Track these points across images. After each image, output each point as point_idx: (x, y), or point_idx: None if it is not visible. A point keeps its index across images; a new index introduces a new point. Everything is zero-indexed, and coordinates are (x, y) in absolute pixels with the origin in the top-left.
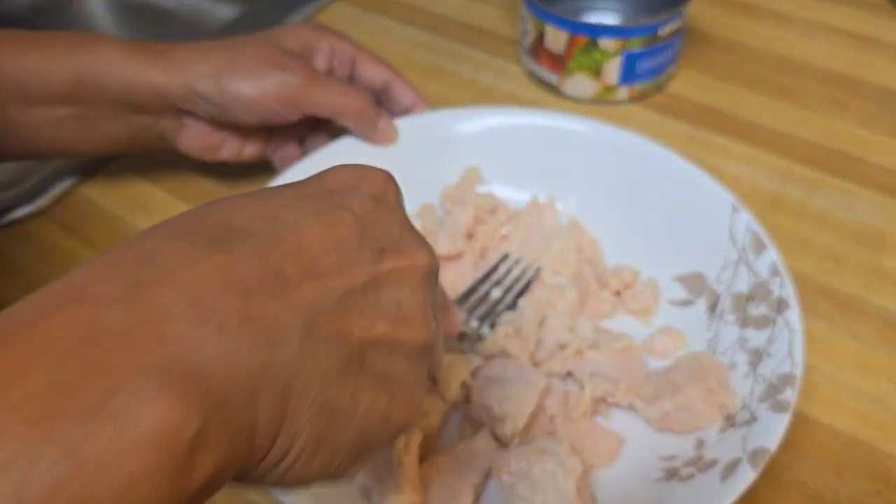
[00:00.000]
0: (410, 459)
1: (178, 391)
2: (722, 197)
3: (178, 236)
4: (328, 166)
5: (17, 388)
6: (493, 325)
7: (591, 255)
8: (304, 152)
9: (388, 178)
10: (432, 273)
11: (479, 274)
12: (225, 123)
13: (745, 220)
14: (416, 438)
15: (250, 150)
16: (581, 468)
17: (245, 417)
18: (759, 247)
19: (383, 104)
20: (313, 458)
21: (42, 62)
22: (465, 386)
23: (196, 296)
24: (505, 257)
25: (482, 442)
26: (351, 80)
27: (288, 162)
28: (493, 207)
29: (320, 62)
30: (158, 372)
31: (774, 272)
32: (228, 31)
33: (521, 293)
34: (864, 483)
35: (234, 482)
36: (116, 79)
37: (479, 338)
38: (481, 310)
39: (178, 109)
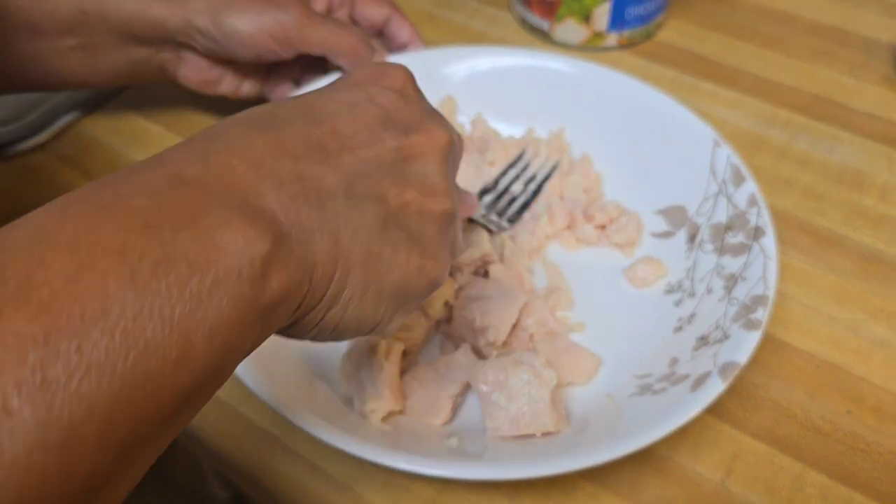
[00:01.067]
0: (391, 368)
1: (251, 220)
2: (704, 132)
3: (234, 125)
4: None
5: (122, 207)
6: (511, 220)
7: (591, 189)
8: (299, 90)
9: (407, 73)
10: (453, 149)
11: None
12: (222, 58)
13: (727, 153)
14: (398, 348)
15: (248, 86)
16: (556, 379)
17: (306, 251)
18: (738, 179)
19: (381, 40)
20: (364, 300)
21: None
22: (447, 305)
23: (254, 160)
24: (522, 154)
25: (462, 356)
26: (351, 18)
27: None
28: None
29: (319, 3)
30: (233, 206)
31: (752, 202)
32: None
33: (539, 188)
34: (835, 403)
35: (314, 326)
36: (119, 11)
37: (501, 229)
38: (501, 204)
39: (178, 43)
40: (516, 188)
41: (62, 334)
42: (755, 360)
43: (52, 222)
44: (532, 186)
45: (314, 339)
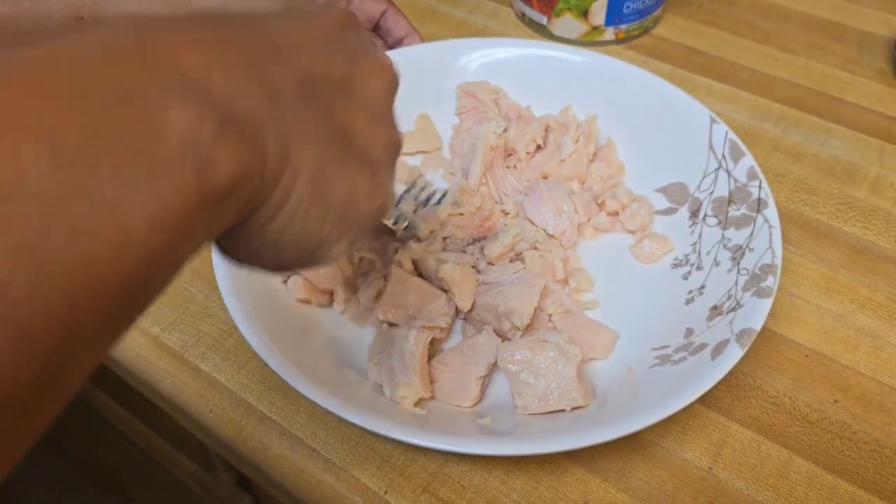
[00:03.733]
0: (421, 356)
1: (195, 100)
2: (699, 111)
3: (177, 18)
4: None
5: (43, 76)
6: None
7: (612, 177)
8: None
9: (351, 11)
10: (396, 85)
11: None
12: None
13: (724, 130)
14: (426, 337)
15: None
16: (580, 355)
17: (255, 141)
18: (737, 154)
19: (377, 34)
20: (310, 210)
21: (38, 1)
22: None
23: (200, 44)
24: (415, 183)
25: (486, 338)
26: None
27: None
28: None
29: None
30: (175, 83)
31: (752, 176)
32: None
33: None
34: (822, 391)
35: (253, 232)
36: (118, 13)
37: (402, 239)
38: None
39: None
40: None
41: None
42: None
43: None
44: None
45: (252, 258)
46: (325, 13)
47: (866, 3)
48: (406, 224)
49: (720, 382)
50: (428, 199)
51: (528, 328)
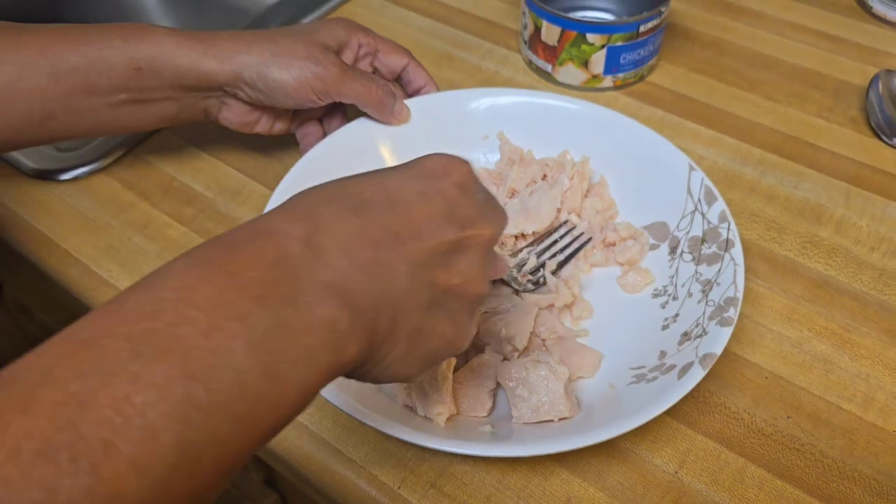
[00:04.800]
0: (450, 377)
1: (338, 301)
2: (680, 158)
3: (328, 202)
4: (347, 143)
5: (243, 278)
6: (535, 284)
7: (606, 210)
8: (323, 129)
9: (469, 169)
10: (494, 242)
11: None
12: (263, 105)
13: (700, 177)
14: (453, 361)
15: (279, 126)
16: (568, 374)
17: (372, 326)
18: (710, 198)
19: (399, 84)
20: (403, 362)
21: (103, 54)
22: None
23: (345, 245)
24: (562, 225)
25: (490, 357)
26: (373, 66)
27: (309, 137)
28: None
29: (349, 56)
30: (325, 286)
31: (723, 219)
32: (267, 16)
33: (568, 259)
34: (777, 409)
35: (356, 376)
36: (172, 66)
37: (524, 290)
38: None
39: (224, 91)
40: (548, 255)
41: (198, 381)
42: (710, 370)
43: (192, 283)
44: (561, 257)
45: (356, 379)
46: (448, 173)
47: (846, 53)
48: (518, 273)
49: (688, 398)
50: (565, 251)
51: (525, 350)
